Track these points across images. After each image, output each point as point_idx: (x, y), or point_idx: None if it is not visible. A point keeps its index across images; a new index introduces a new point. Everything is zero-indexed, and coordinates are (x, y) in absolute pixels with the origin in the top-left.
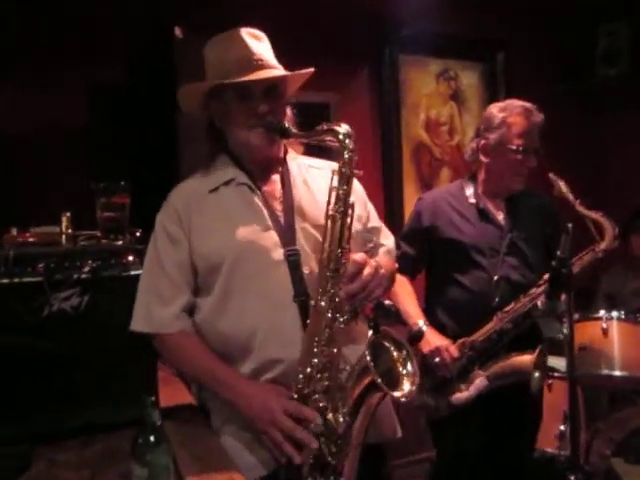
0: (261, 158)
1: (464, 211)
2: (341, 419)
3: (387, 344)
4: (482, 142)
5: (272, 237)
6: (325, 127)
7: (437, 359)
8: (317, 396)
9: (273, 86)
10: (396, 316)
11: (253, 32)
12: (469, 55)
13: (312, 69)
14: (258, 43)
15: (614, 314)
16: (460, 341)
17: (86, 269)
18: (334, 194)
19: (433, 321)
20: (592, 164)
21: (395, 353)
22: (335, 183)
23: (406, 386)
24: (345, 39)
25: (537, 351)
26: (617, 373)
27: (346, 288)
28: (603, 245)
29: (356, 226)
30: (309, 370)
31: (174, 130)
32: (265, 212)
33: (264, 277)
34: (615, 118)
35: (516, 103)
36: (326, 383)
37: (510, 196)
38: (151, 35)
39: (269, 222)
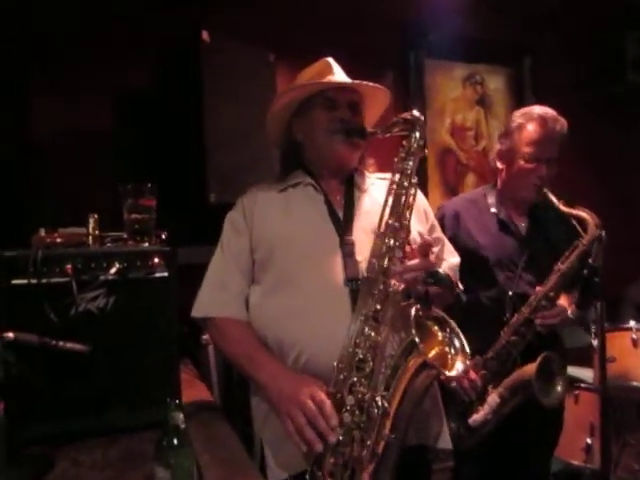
0: (337, 163)
1: (485, 221)
2: (380, 403)
3: (431, 323)
4: (498, 147)
5: (329, 226)
6: (395, 119)
7: (454, 383)
8: (355, 380)
9: (356, 103)
10: (450, 284)
11: (338, 67)
12: (495, 60)
13: (387, 100)
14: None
15: None
16: (472, 361)
17: (113, 270)
18: (400, 166)
19: None
20: (622, 171)
21: (440, 333)
22: (398, 159)
23: (458, 365)
24: (371, 44)
25: (540, 359)
26: None
27: (406, 264)
28: (587, 238)
29: (417, 227)
30: (351, 350)
31: (201, 134)
32: (325, 208)
33: (317, 260)
34: None
35: (536, 110)
36: (367, 368)
37: (535, 205)
38: (178, 39)
39: (327, 215)
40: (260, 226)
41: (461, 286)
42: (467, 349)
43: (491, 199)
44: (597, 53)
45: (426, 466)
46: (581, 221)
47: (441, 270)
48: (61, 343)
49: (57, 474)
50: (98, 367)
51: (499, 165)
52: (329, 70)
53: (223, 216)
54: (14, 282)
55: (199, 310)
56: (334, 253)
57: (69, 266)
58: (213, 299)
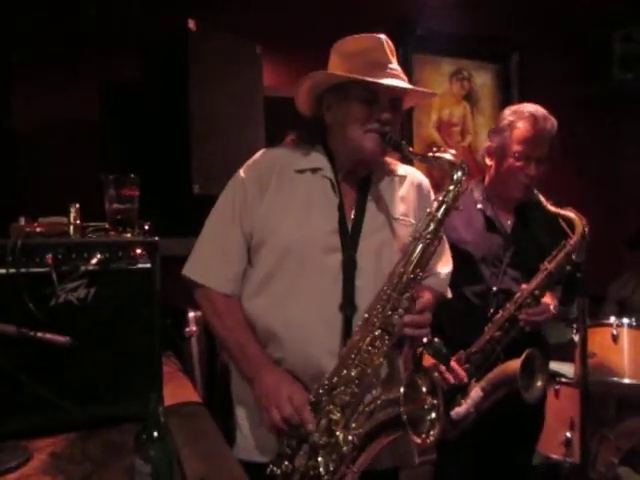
0: (363, 160)
1: (471, 217)
2: (350, 437)
3: (422, 384)
4: (488, 144)
5: (335, 240)
6: (439, 155)
7: (436, 373)
8: (331, 407)
9: (398, 99)
10: (445, 358)
11: (391, 45)
12: (483, 55)
13: (437, 93)
14: (392, 57)
15: (625, 321)
16: (456, 356)
17: (94, 261)
18: (428, 219)
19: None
20: (607, 169)
21: (426, 396)
22: (433, 208)
23: (426, 432)
24: None
25: (524, 355)
26: (626, 381)
27: (413, 317)
28: (574, 239)
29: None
30: (335, 380)
31: (186, 124)
32: (336, 215)
33: (315, 279)
34: (631, 123)
35: (527, 107)
36: (347, 399)
37: (522, 203)
38: (164, 28)
39: (336, 225)
40: (268, 211)
41: (449, 294)
42: (439, 428)
43: (477, 194)
44: (584, 51)
45: None
46: (568, 221)
47: (436, 340)
48: (40, 334)
49: (36, 467)
50: (78, 359)
51: (488, 161)
52: (381, 55)
53: (207, 207)
54: None
55: (194, 271)
56: (334, 272)
57: (49, 256)
58: (212, 268)
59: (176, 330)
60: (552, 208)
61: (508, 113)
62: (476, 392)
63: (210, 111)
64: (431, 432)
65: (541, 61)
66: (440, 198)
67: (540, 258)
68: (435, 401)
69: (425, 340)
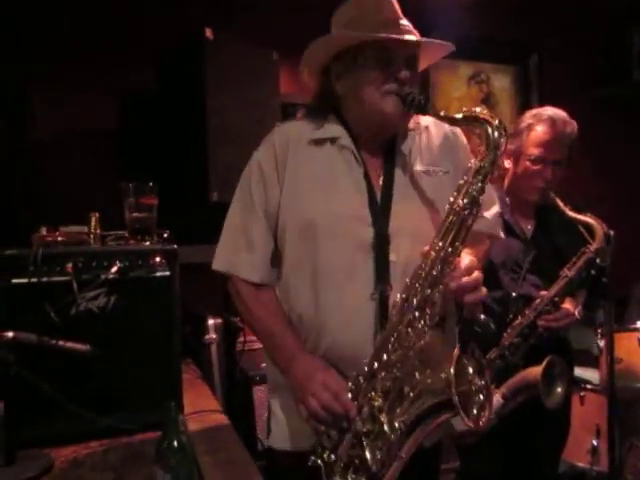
0: (385, 126)
1: None
2: (396, 425)
3: (469, 364)
4: (507, 146)
5: (365, 215)
6: (475, 114)
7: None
8: (373, 394)
9: (414, 57)
10: (493, 334)
11: (394, 1)
12: (501, 58)
13: (452, 45)
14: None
15: None
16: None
17: (114, 269)
18: (465, 189)
19: None
20: (627, 170)
21: (473, 377)
22: (470, 177)
23: (477, 415)
24: None
25: (545, 362)
26: None
27: (460, 281)
28: (594, 245)
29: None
30: (375, 365)
31: (203, 132)
32: (364, 187)
33: (347, 256)
34: None
35: (547, 111)
36: (389, 384)
37: (543, 207)
38: (181, 36)
39: (366, 198)
40: (291, 192)
41: (502, 234)
42: (490, 409)
43: None
44: (603, 51)
45: (435, 467)
46: (588, 227)
47: (482, 317)
48: (61, 343)
49: (57, 475)
50: (98, 367)
51: (507, 164)
52: (389, 11)
53: (225, 215)
54: (14, 281)
55: (221, 263)
56: (366, 250)
57: (70, 265)
58: (246, 259)
59: (196, 337)
60: (570, 214)
61: (528, 116)
62: (496, 399)
63: (227, 118)
64: (482, 414)
65: (560, 63)
66: (477, 163)
67: (560, 263)
68: (483, 382)
69: (470, 317)
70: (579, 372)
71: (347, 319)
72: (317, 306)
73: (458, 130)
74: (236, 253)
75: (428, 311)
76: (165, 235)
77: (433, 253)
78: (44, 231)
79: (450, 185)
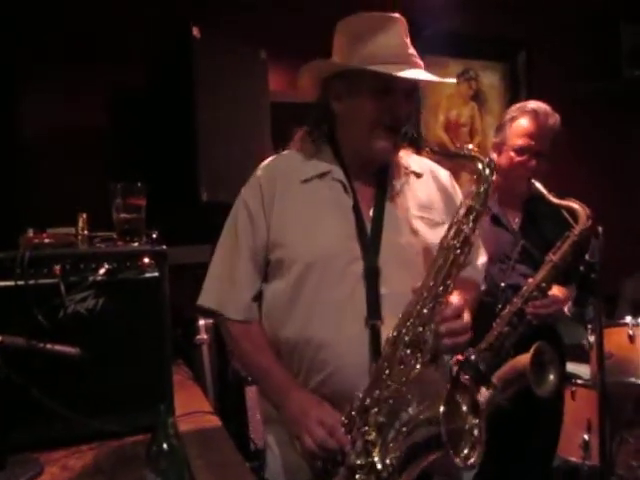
0: (374, 159)
1: None
2: (387, 461)
3: (462, 402)
4: (493, 140)
5: (354, 248)
6: (465, 152)
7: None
8: (366, 428)
9: (414, 89)
10: (483, 376)
11: (405, 24)
12: (490, 55)
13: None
14: (406, 38)
15: None
16: (465, 354)
17: (102, 271)
18: (455, 227)
19: None
20: (617, 166)
21: (466, 415)
22: (460, 216)
23: (467, 454)
24: None
25: (533, 349)
26: None
27: (449, 324)
28: (578, 229)
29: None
30: (368, 401)
31: (192, 131)
32: (353, 218)
33: (337, 290)
34: None
35: (530, 103)
36: (381, 420)
37: (530, 199)
38: (169, 35)
39: (354, 230)
40: (279, 226)
41: (483, 285)
42: (481, 449)
43: None
44: (592, 48)
45: None
46: (572, 212)
47: (472, 357)
48: (50, 346)
49: (47, 479)
50: (88, 370)
51: (494, 158)
52: (396, 38)
53: (215, 215)
54: (1, 284)
55: (207, 300)
56: (356, 282)
57: (57, 267)
58: (232, 298)
59: (186, 338)
60: (554, 200)
61: (512, 109)
62: (487, 390)
63: (216, 117)
64: (472, 453)
65: (549, 60)
66: (468, 202)
67: (548, 252)
68: (476, 420)
69: (460, 357)
70: (570, 367)
71: (339, 353)
72: (308, 340)
73: (456, 185)
74: (222, 292)
75: (420, 348)
76: (154, 236)
77: (424, 292)
78: (31, 233)
79: (443, 231)
